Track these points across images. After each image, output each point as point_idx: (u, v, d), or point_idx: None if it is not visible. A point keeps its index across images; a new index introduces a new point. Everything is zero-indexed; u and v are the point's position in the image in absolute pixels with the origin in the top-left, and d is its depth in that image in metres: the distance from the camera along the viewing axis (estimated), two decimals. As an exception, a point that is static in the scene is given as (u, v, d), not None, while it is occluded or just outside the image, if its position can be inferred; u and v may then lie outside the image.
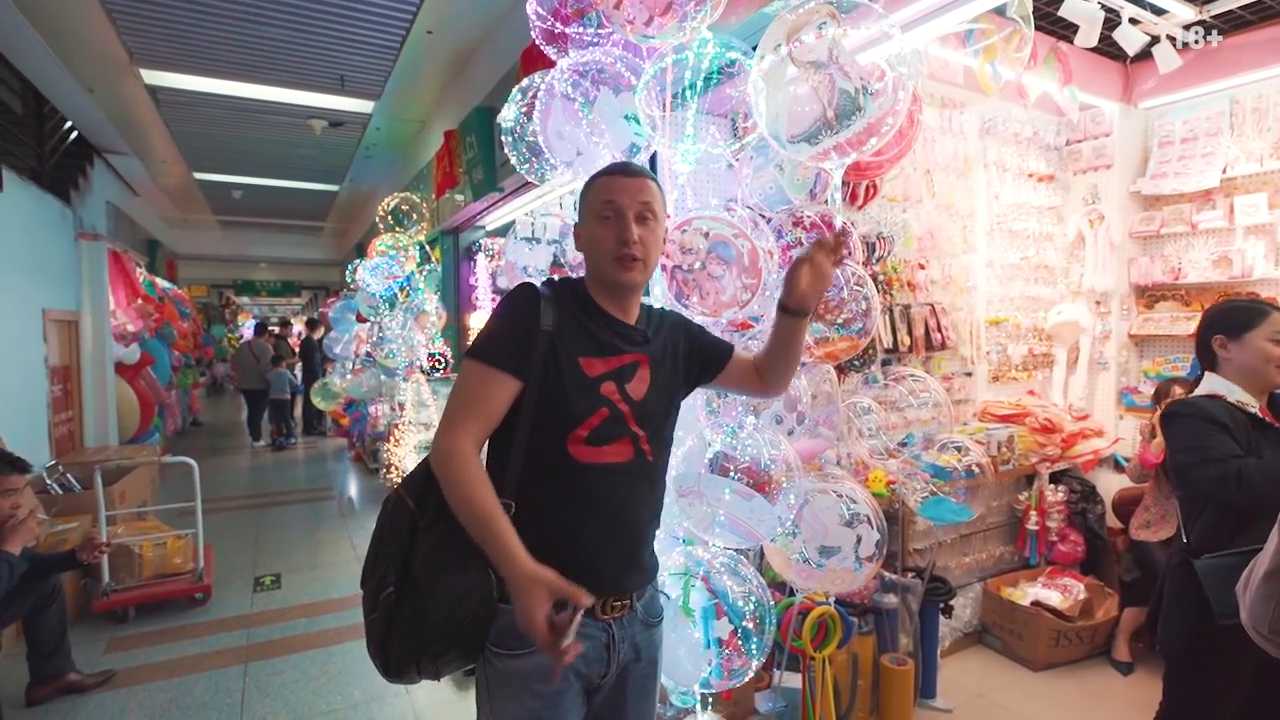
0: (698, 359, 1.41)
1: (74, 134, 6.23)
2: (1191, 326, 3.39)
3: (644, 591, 1.31)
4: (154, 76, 5.10)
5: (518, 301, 1.24)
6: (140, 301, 6.97)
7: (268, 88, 5.32)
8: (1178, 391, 2.99)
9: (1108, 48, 3.30)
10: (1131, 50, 2.92)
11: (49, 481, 4.35)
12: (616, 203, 1.22)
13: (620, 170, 1.27)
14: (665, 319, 1.40)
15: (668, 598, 1.43)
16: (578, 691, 1.23)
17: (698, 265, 1.93)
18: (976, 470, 2.63)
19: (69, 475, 4.42)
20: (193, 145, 7.04)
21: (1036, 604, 3.05)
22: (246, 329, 16.98)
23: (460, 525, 1.15)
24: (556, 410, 1.19)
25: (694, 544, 1.96)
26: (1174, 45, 2.97)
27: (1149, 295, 3.67)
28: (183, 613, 3.77)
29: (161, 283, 9.36)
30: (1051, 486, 3.33)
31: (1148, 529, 3.08)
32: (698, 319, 2.02)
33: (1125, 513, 3.32)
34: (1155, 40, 2.98)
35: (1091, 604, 3.13)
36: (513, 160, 2.41)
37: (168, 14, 4.09)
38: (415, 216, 5.62)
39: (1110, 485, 3.50)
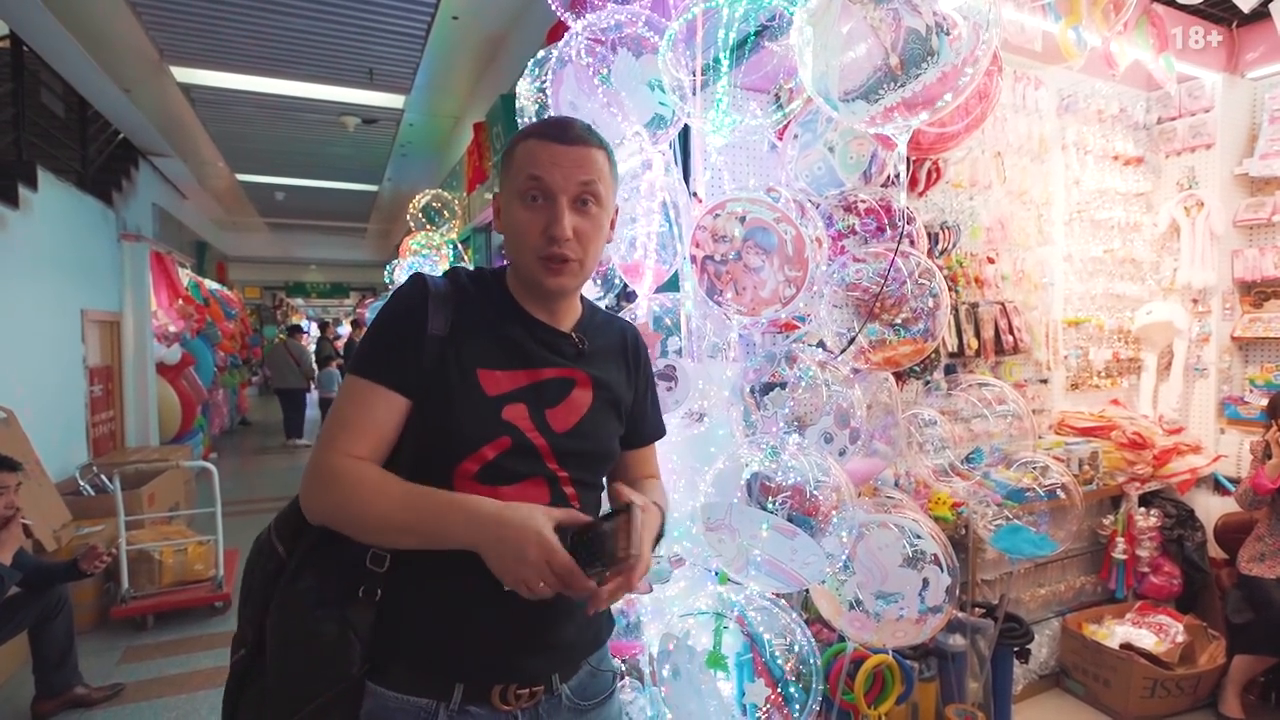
0: (625, 415, 1.09)
1: (119, 137, 6.32)
2: (1313, 328, 2.95)
3: (570, 672, 1.01)
4: (185, 74, 5.08)
5: (402, 300, 0.96)
6: (181, 302, 7.02)
7: (297, 83, 5.24)
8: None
9: (1210, 8, 2.89)
10: (1246, 7, 2.52)
11: (81, 483, 4.33)
12: (545, 181, 0.92)
13: (557, 134, 0.95)
14: (611, 326, 1.11)
15: (706, 660, 1.13)
16: None
17: (732, 255, 1.65)
18: (1060, 493, 2.27)
19: (102, 476, 4.39)
20: (232, 146, 7.07)
21: (1127, 646, 2.65)
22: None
23: (328, 577, 0.92)
24: (441, 436, 0.92)
25: (726, 582, 1.68)
26: None
27: (1257, 292, 3.21)
28: (201, 621, 3.67)
29: (209, 284, 9.50)
30: (1142, 510, 2.93)
31: (1261, 563, 2.66)
32: (734, 318, 1.76)
33: (1231, 542, 2.89)
34: (1273, -5, 2.57)
35: (1193, 648, 2.72)
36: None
37: (190, 8, 4.01)
38: (447, 214, 5.45)
39: (1212, 509, 3.07)
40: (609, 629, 1.09)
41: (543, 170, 0.92)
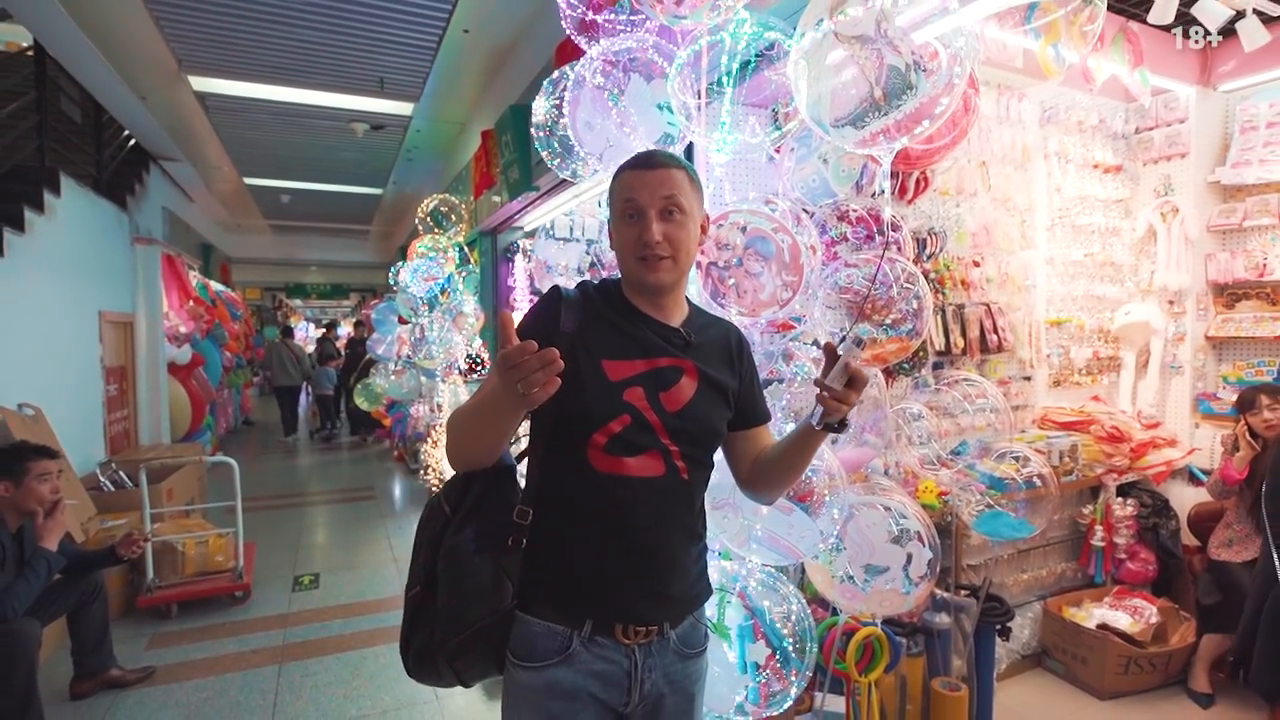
0: (734, 401, 1.25)
1: (131, 142, 6.46)
2: (1279, 328, 3.13)
3: (678, 621, 1.20)
4: (202, 83, 5.22)
5: (539, 305, 1.19)
6: (192, 303, 7.16)
7: (310, 91, 5.40)
8: (1264, 401, 2.74)
9: (1183, 25, 3.05)
10: (1213, 27, 2.68)
11: (102, 479, 4.47)
12: (636, 201, 1.14)
13: (641, 163, 1.17)
14: (717, 326, 1.28)
15: (711, 629, 1.31)
16: (595, 713, 1.16)
17: (734, 261, 1.82)
18: (1037, 482, 2.44)
19: (121, 472, 4.55)
20: (242, 151, 7.21)
21: (1103, 627, 2.83)
22: (298, 330, 17.56)
23: (484, 526, 1.15)
24: (574, 414, 1.12)
25: (730, 558, 1.84)
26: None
27: (1229, 294, 3.39)
28: (223, 610, 3.81)
29: (214, 285, 9.68)
30: (1119, 499, 3.10)
31: (1229, 548, 2.83)
32: (735, 319, 1.92)
33: (1203, 529, 3.07)
34: (1239, 15, 2.73)
35: (1165, 628, 2.89)
36: (544, 156, 2.34)
37: (211, 19, 4.17)
38: (454, 218, 5.63)
39: (1186, 499, 3.24)
40: (708, 593, 1.27)
41: (634, 193, 1.14)
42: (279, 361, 9.72)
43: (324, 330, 12.62)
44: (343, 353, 10.79)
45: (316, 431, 10.19)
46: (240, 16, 4.12)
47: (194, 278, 7.99)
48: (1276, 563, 1.78)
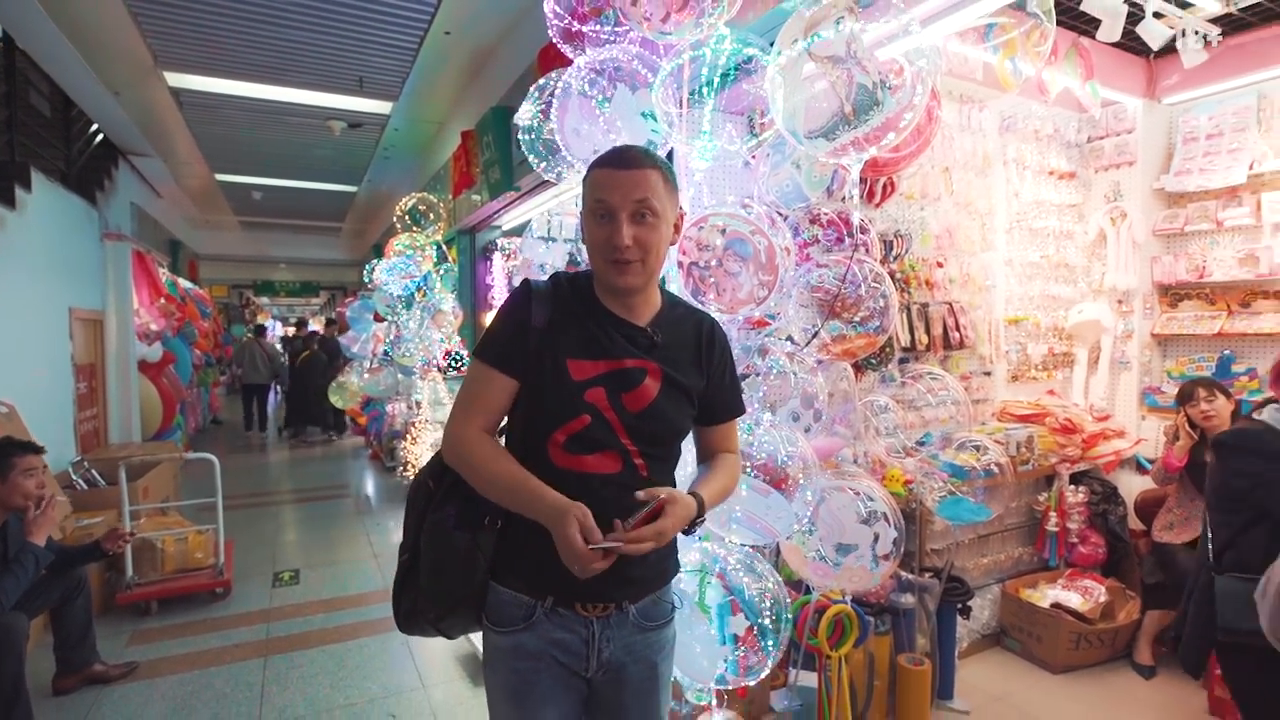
0: (698, 400, 1.26)
1: (99, 136, 6.36)
2: (1216, 326, 3.35)
3: (639, 598, 1.25)
4: (177, 79, 5.18)
5: (512, 298, 1.22)
6: (163, 301, 7.08)
7: (288, 89, 5.39)
8: (1201, 394, 2.94)
9: (1130, 43, 3.25)
10: (1155, 45, 2.87)
11: (74, 477, 4.44)
12: (608, 202, 1.12)
13: (615, 161, 1.14)
14: (688, 320, 1.27)
15: (679, 603, 1.40)
16: (558, 675, 1.22)
17: (714, 262, 1.93)
18: (995, 470, 2.61)
19: (93, 471, 4.51)
20: (214, 147, 7.14)
21: (1056, 606, 3.01)
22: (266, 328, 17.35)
23: (463, 504, 1.21)
24: (538, 411, 1.17)
25: (710, 540, 1.96)
26: (1200, 39, 2.92)
27: (1172, 294, 3.61)
28: (204, 607, 3.82)
29: (183, 282, 9.54)
30: (1072, 487, 3.29)
31: (1170, 531, 3.03)
32: (714, 315, 2.03)
33: (1148, 514, 3.27)
34: (1180, 34, 2.93)
35: (1113, 606, 3.09)
36: (530, 159, 2.42)
37: (191, 17, 4.16)
38: (432, 216, 5.67)
39: (1132, 487, 3.45)
40: (674, 570, 1.33)
41: (605, 193, 1.13)
42: (250, 360, 9.74)
43: (294, 328, 12.62)
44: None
45: (284, 429, 10.16)
46: (220, 14, 4.11)
47: (163, 274, 7.88)
48: (1209, 550, 1.96)
